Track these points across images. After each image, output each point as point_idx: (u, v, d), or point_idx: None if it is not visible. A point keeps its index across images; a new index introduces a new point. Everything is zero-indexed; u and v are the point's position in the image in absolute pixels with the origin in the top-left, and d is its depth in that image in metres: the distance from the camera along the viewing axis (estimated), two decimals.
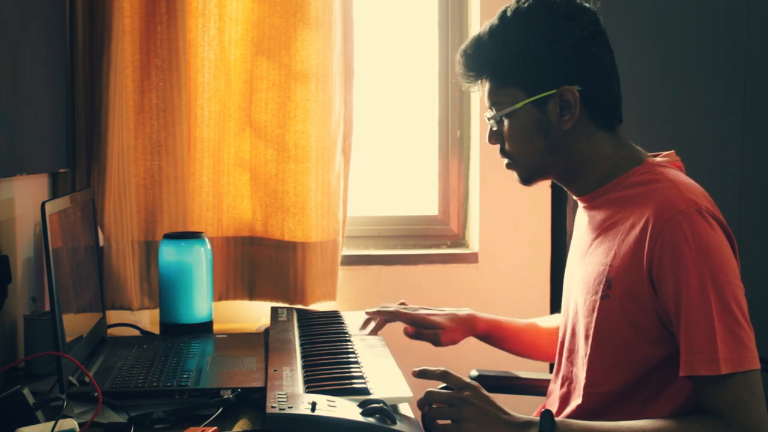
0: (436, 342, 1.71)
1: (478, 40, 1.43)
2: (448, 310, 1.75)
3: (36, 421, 1.25)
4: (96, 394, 1.35)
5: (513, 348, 1.77)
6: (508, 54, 1.40)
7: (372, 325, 1.79)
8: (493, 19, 1.43)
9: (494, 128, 1.46)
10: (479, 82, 1.45)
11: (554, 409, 1.49)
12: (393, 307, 1.78)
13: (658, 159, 1.41)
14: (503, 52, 1.40)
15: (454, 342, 1.73)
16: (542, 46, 1.37)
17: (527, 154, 1.43)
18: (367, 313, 1.80)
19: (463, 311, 1.75)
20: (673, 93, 2.50)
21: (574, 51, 1.37)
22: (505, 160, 1.47)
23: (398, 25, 2.60)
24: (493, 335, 1.75)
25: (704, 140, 2.50)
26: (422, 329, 1.72)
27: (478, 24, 2.43)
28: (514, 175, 1.50)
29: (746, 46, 2.52)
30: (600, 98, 1.39)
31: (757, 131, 2.55)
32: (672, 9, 2.49)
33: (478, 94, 1.48)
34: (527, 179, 1.47)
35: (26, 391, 1.28)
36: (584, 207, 1.47)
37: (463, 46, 1.46)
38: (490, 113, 1.45)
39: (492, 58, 1.42)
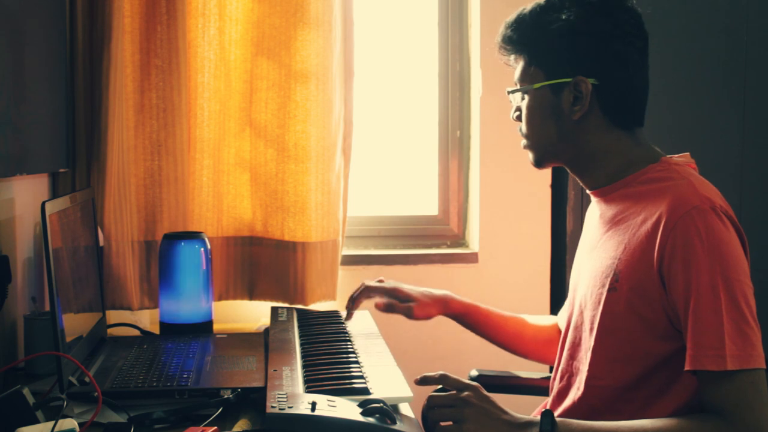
0: (409, 314, 1.75)
1: (520, 16, 1.46)
2: (423, 288, 1.79)
3: (36, 421, 1.25)
4: (96, 394, 1.35)
5: (492, 335, 1.78)
6: (539, 34, 1.42)
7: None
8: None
9: (518, 104, 1.49)
10: (514, 57, 1.47)
11: (552, 404, 1.49)
12: (365, 284, 1.82)
13: (674, 159, 1.42)
14: (536, 32, 1.43)
15: (429, 316, 1.77)
16: (570, 33, 1.39)
17: (539, 136, 1.46)
18: (346, 307, 1.85)
19: (440, 291, 1.79)
20: (673, 93, 2.50)
21: (600, 45, 1.38)
22: (522, 141, 1.49)
23: (398, 25, 2.60)
24: (470, 318, 1.78)
25: (704, 140, 2.50)
26: (395, 302, 1.76)
27: (478, 24, 2.43)
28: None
29: (746, 46, 2.52)
30: (616, 96, 1.40)
31: (757, 131, 2.54)
32: (672, 9, 2.49)
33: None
34: (538, 161, 1.49)
35: (26, 391, 1.28)
36: (597, 201, 1.48)
37: (508, 18, 1.48)
38: (511, 88, 1.48)
39: (526, 35, 1.44)
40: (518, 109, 1.49)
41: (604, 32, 1.38)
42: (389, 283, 1.80)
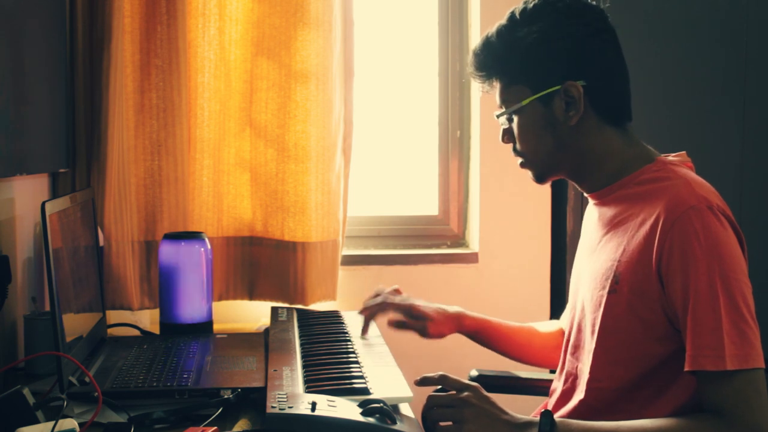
0: (423, 333, 1.73)
1: (487, 40, 1.46)
2: (437, 305, 1.76)
3: (36, 421, 1.25)
4: (96, 394, 1.35)
5: (503, 348, 1.77)
6: (512, 52, 1.42)
7: (372, 324, 1.80)
8: (502, 20, 1.45)
9: (505, 126, 1.48)
10: (490, 81, 1.47)
11: (555, 405, 1.49)
12: (381, 297, 1.78)
13: (669, 158, 1.42)
14: (508, 51, 1.43)
15: (441, 335, 1.74)
16: (544, 43, 1.39)
17: (537, 152, 1.45)
18: (360, 313, 1.80)
19: (453, 308, 1.76)
20: (674, 93, 2.50)
21: (577, 47, 1.39)
22: (519, 160, 1.49)
23: (398, 25, 2.60)
24: (482, 334, 1.76)
25: (704, 140, 2.50)
26: (409, 319, 1.73)
27: (478, 24, 2.43)
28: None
29: (746, 46, 2.52)
30: (606, 93, 1.40)
31: (757, 131, 2.54)
32: (672, 9, 2.49)
33: (488, 94, 1.50)
34: (540, 177, 1.49)
35: (26, 391, 1.28)
36: (595, 203, 1.48)
37: (473, 47, 1.48)
38: (498, 111, 1.47)
39: (498, 57, 1.44)
40: (506, 131, 1.48)
41: (578, 34, 1.39)
42: (405, 300, 1.77)
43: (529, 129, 1.43)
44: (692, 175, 1.38)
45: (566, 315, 1.70)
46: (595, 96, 1.39)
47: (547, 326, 1.78)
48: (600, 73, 1.40)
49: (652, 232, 1.30)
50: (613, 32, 1.42)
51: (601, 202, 1.45)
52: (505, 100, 1.45)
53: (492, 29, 1.45)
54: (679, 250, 1.26)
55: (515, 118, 1.44)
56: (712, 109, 2.53)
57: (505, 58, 1.43)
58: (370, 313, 1.78)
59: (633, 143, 1.43)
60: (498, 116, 1.48)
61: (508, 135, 1.48)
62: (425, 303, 1.77)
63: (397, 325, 1.75)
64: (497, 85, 1.46)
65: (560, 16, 1.40)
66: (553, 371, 1.64)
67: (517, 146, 1.47)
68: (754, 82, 2.53)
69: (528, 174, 1.51)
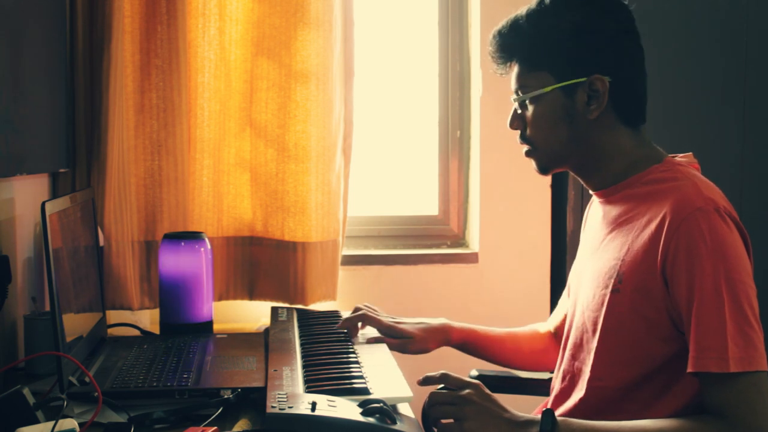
0: (404, 351, 1.70)
1: (514, 22, 1.44)
2: (420, 319, 1.75)
3: (36, 421, 1.25)
4: (96, 394, 1.35)
5: (492, 356, 1.76)
6: (541, 38, 1.40)
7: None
8: (531, 3, 1.43)
9: (518, 111, 1.46)
10: (509, 64, 1.45)
11: (553, 404, 1.49)
12: (362, 311, 1.76)
13: (677, 159, 1.42)
14: (537, 36, 1.41)
15: (426, 351, 1.72)
16: (576, 33, 1.38)
17: (549, 141, 1.43)
18: (339, 326, 1.77)
19: (437, 321, 1.74)
20: (674, 93, 2.50)
21: (608, 43, 1.38)
22: (525, 147, 1.47)
23: (398, 25, 2.60)
24: (470, 345, 1.75)
25: (704, 140, 2.50)
26: (389, 340, 1.69)
27: (478, 24, 2.43)
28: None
29: (746, 46, 2.52)
30: (627, 93, 1.40)
31: (757, 131, 2.54)
32: (672, 9, 2.49)
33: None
34: (545, 167, 1.47)
35: (26, 391, 1.28)
36: (600, 201, 1.47)
37: (497, 27, 1.46)
38: (515, 96, 1.45)
39: (525, 41, 1.42)
40: (517, 116, 1.46)
41: (611, 30, 1.39)
42: (386, 319, 1.73)
43: (546, 117, 1.41)
44: (699, 176, 1.38)
45: (557, 315, 1.71)
46: (616, 93, 1.39)
47: (534, 329, 1.77)
48: (625, 72, 1.39)
49: (657, 232, 1.30)
50: (638, 34, 1.42)
51: (607, 200, 1.45)
52: (523, 85, 1.43)
53: (520, 12, 1.43)
54: (684, 252, 1.26)
55: (531, 105, 1.42)
56: (712, 109, 2.53)
57: (532, 43, 1.41)
58: (349, 326, 1.74)
59: (644, 144, 1.43)
60: (515, 101, 1.46)
61: (518, 120, 1.46)
62: (409, 320, 1.74)
63: (376, 342, 1.70)
64: (515, 69, 1.44)
65: (594, 9, 1.39)
66: (552, 371, 1.64)
67: (528, 133, 1.44)
68: (754, 82, 2.53)
69: (528, 173, 1.50)
